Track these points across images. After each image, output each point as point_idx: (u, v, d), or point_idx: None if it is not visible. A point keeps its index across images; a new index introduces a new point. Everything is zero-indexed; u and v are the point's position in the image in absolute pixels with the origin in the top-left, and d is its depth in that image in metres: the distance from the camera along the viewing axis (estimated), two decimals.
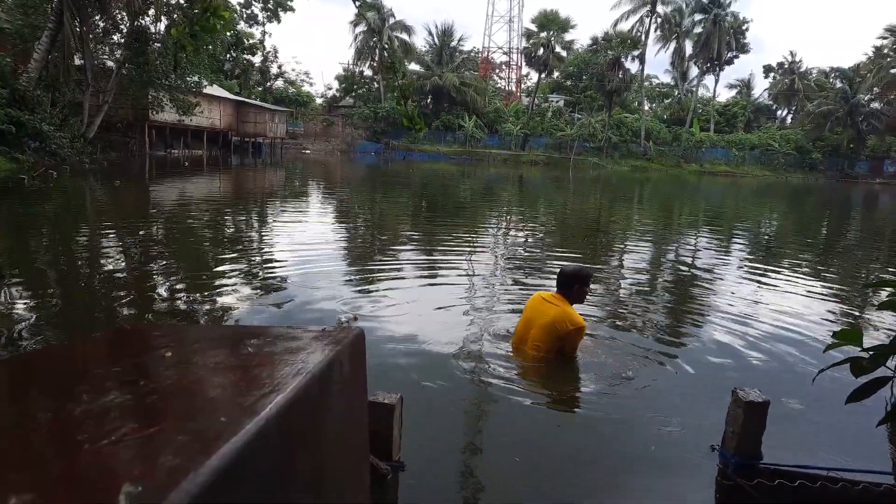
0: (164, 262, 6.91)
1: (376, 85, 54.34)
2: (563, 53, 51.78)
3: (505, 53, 67.72)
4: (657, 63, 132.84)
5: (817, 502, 2.28)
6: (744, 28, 51.84)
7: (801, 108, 54.77)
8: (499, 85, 65.12)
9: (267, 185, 21.25)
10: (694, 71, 55.38)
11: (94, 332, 4.21)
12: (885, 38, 49.40)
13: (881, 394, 2.00)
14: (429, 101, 51.68)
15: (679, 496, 2.57)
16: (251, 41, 48.89)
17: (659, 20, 50.08)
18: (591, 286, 4.11)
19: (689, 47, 51.96)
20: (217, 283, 5.98)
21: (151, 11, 23.15)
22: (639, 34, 49.86)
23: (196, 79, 26.77)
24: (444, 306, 5.12)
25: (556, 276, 3.91)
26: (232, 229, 10.02)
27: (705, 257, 9.50)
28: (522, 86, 65.53)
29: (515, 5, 66.87)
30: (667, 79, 62.54)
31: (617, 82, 47.58)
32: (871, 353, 2.11)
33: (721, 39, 49.30)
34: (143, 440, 0.68)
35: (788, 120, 59.46)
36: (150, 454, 0.65)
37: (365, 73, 56.06)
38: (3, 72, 18.63)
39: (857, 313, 5.97)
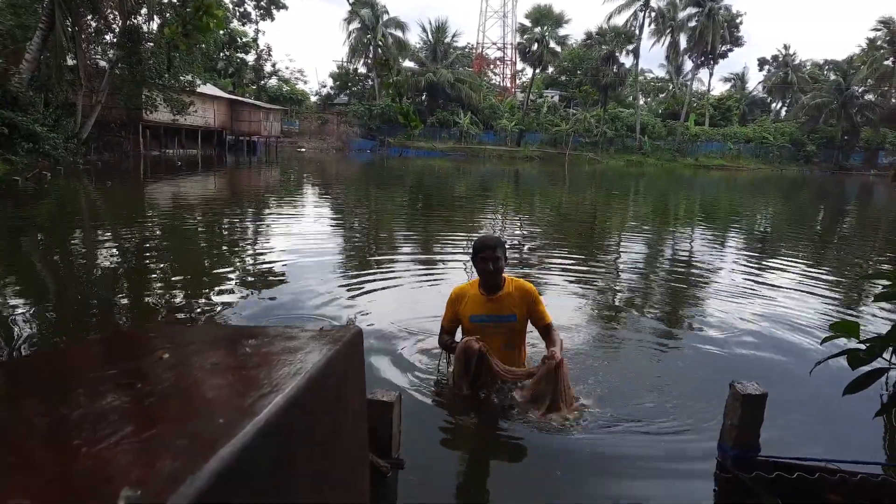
0: (160, 264, 6.89)
1: (371, 82, 54.22)
2: (558, 48, 51.75)
3: (499, 49, 67.61)
4: (651, 57, 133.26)
5: (815, 494, 2.29)
6: (737, 21, 51.94)
7: (795, 101, 54.87)
8: (493, 81, 65.00)
9: (262, 184, 21.20)
10: (688, 65, 55.49)
11: (90, 334, 4.21)
12: (878, 29, 49.58)
13: (878, 385, 2.01)
14: (424, 97, 51.58)
15: (677, 489, 2.57)
16: (245, 39, 48.74)
17: (653, 14, 50.08)
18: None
19: (683, 41, 52.03)
20: (213, 283, 5.97)
21: (144, 10, 23.02)
22: (633, 28, 49.84)
23: (189, 78, 26.62)
24: (441, 304, 5.11)
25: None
26: (227, 229, 9.99)
27: (701, 251, 9.52)
28: (517, 81, 65.48)
29: (509, 0, 66.64)
30: (661, 73, 62.70)
31: (611, 77, 47.55)
32: (867, 344, 2.12)
33: (715, 33, 49.34)
34: (140, 443, 0.68)
35: (783, 113, 59.58)
36: (149, 457, 0.64)
37: (359, 71, 55.95)
38: None
39: (853, 305, 5.99)
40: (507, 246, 3.34)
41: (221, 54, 45.95)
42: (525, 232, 11.04)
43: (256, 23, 49.46)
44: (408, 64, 52.19)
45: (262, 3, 47.84)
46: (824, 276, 7.45)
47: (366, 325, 4.38)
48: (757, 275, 7.27)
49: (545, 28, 49.96)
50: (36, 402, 0.84)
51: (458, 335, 3.38)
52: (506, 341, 3.23)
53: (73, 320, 4.57)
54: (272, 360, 0.97)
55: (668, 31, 51.04)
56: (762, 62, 60.31)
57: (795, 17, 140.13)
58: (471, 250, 3.27)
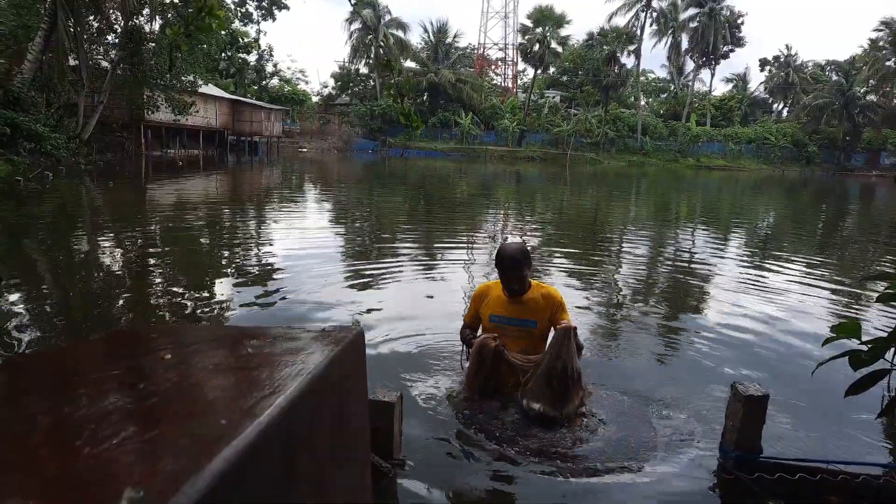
0: (162, 264, 6.89)
1: (372, 82, 54.27)
2: (559, 49, 51.73)
3: (500, 49, 67.43)
4: (653, 58, 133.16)
5: (817, 495, 2.29)
6: (739, 22, 51.94)
7: (797, 102, 54.80)
8: (495, 81, 64.94)
9: (264, 184, 21.20)
10: (690, 65, 55.47)
11: (91, 334, 4.21)
12: (880, 30, 49.49)
13: (880, 386, 2.01)
14: (425, 98, 51.63)
15: (679, 491, 2.57)
16: (246, 40, 48.81)
17: (654, 14, 50.12)
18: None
19: (684, 41, 52.06)
20: (215, 283, 5.97)
21: (146, 11, 23.05)
22: (634, 29, 49.84)
23: (191, 78, 26.66)
24: (443, 303, 5.12)
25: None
26: (229, 229, 10.00)
27: (703, 251, 9.51)
28: (518, 82, 65.42)
29: (510, 1, 66.57)
30: (663, 73, 62.62)
31: (613, 77, 47.61)
32: (869, 346, 2.11)
33: (717, 33, 49.37)
34: (143, 444, 0.68)
35: (784, 113, 59.51)
36: (151, 458, 0.64)
37: (361, 71, 55.98)
38: None
39: (855, 306, 5.98)
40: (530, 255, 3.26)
41: (223, 55, 45.98)
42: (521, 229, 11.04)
43: (258, 23, 49.59)
44: (409, 64, 52.24)
45: (263, 3, 47.91)
46: (826, 277, 7.44)
47: (368, 325, 4.38)
48: (758, 275, 7.26)
49: (546, 28, 49.94)
50: (37, 402, 0.84)
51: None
52: (523, 346, 3.11)
53: (74, 320, 4.57)
54: (274, 361, 0.97)
55: (669, 31, 51.07)
56: (764, 63, 60.22)
57: (797, 18, 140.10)
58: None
